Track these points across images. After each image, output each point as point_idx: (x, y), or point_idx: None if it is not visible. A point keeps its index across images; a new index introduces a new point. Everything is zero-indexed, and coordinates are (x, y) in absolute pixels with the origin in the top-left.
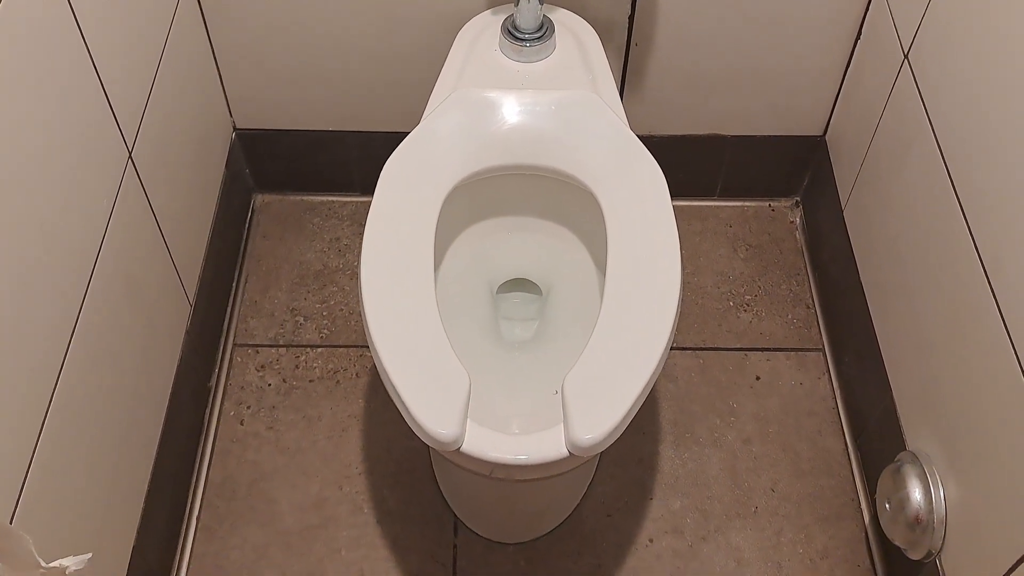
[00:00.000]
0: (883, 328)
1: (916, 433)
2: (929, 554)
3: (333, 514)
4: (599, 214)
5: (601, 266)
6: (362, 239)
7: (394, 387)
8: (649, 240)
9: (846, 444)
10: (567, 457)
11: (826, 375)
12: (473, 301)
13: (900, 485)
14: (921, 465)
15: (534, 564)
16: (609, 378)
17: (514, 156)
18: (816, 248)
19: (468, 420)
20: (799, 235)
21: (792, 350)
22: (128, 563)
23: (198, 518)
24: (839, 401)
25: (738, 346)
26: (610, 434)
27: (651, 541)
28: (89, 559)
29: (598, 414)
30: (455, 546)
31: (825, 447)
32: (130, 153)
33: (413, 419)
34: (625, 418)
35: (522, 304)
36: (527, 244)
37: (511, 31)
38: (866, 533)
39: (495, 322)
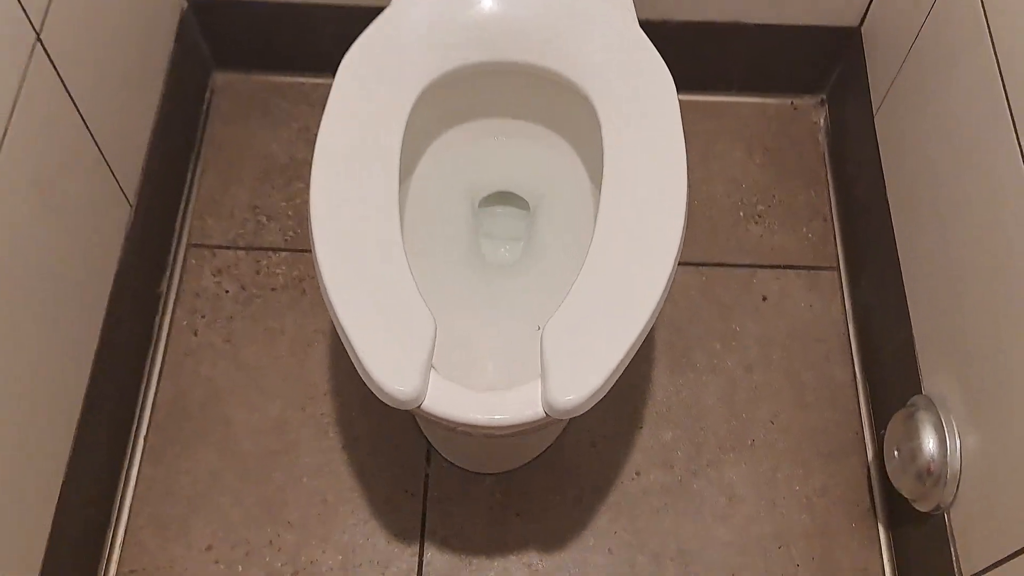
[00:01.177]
0: (907, 252)
1: (934, 375)
2: (937, 507)
3: (295, 438)
4: (595, 124)
5: (596, 179)
6: None
7: (346, 334)
8: (651, 165)
9: (855, 375)
10: (543, 418)
11: (839, 297)
12: (450, 217)
13: (912, 434)
14: (937, 412)
15: (511, 496)
16: (595, 330)
17: (496, 51)
18: (840, 155)
19: (432, 372)
20: (822, 138)
21: (804, 268)
22: (60, 490)
23: (145, 438)
24: (851, 327)
25: (746, 262)
26: (593, 395)
27: (638, 474)
28: None
29: (581, 372)
30: (427, 475)
31: (832, 377)
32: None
33: (367, 373)
34: (612, 377)
35: (507, 220)
36: (513, 152)
37: None
38: (868, 471)
39: (476, 242)
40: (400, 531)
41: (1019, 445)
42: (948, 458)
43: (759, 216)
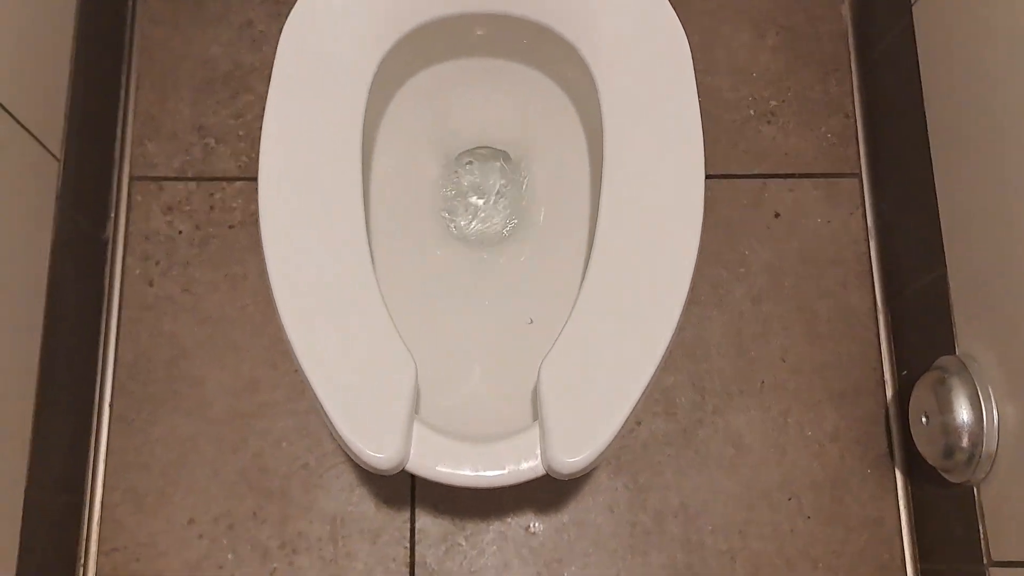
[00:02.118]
0: (945, 172)
1: (971, 334)
2: (967, 481)
3: (269, 399)
4: (592, 88)
5: (590, 126)
6: (281, 27)
7: (315, 392)
8: (660, 158)
9: (875, 302)
10: (542, 476)
11: (860, 210)
12: (422, 179)
13: (944, 405)
14: (972, 380)
15: None
16: (601, 372)
17: (476, 1)
18: (867, 35)
19: (416, 424)
20: (845, 11)
21: (822, 176)
22: (26, 472)
23: (111, 406)
24: (872, 247)
25: (756, 172)
26: (600, 455)
27: (638, 424)
28: None
29: (586, 428)
30: None
31: (849, 305)
32: None
33: (344, 441)
34: (620, 431)
35: (486, 178)
36: (491, 97)
37: None
38: (886, 411)
39: (451, 205)
40: (389, 497)
41: None
42: (984, 436)
43: (772, 114)
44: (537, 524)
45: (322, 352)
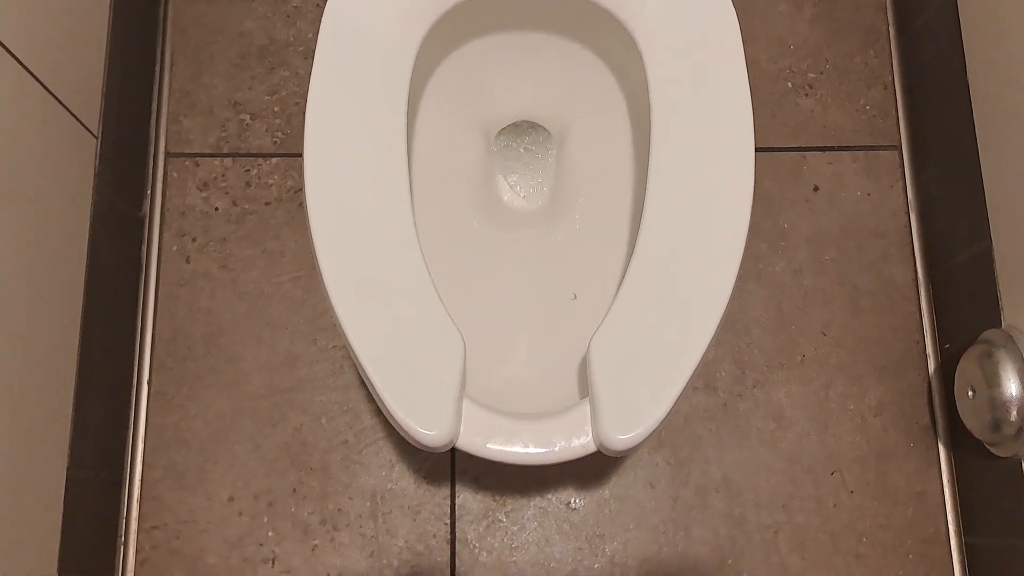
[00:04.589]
0: (990, 142)
1: (1017, 306)
2: (1015, 455)
3: (308, 375)
4: (638, 63)
5: (633, 102)
6: (315, 2)
7: (367, 371)
8: (709, 135)
9: (916, 274)
10: (594, 453)
11: (900, 182)
12: (463, 156)
13: (992, 379)
14: (1020, 354)
15: None
16: (652, 348)
17: None
18: (907, 4)
19: (465, 403)
20: None
21: (861, 149)
22: (68, 447)
23: (149, 383)
24: (913, 218)
25: (795, 145)
26: (653, 432)
27: None
28: None
29: (638, 404)
30: None
31: (890, 277)
32: None
33: (395, 419)
34: (673, 407)
35: (528, 155)
36: (533, 71)
37: None
38: (929, 384)
39: (494, 183)
40: (429, 473)
41: None
42: None
43: (809, 86)
44: (578, 499)
45: (372, 331)
